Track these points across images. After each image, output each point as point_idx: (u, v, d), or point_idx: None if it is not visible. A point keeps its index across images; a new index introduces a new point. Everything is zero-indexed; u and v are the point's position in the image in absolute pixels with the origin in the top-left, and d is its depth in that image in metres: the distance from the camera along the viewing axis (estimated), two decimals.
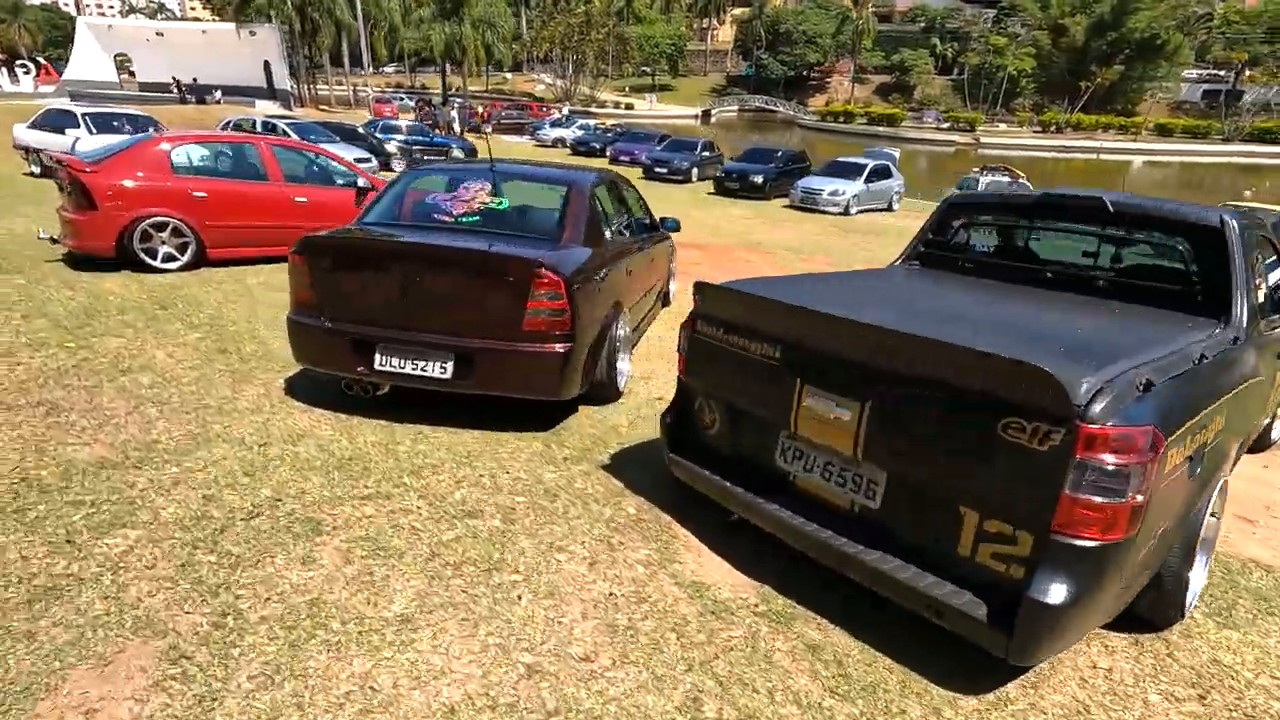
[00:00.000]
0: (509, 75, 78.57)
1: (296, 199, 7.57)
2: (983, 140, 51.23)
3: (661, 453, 3.28)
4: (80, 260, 6.86)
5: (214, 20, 74.72)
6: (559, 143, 32.61)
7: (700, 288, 2.92)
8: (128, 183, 6.65)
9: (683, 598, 2.64)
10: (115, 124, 13.34)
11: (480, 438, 3.82)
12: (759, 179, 18.84)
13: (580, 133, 31.45)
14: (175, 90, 29.97)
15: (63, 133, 12.60)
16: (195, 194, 6.96)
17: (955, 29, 76.22)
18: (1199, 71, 65.90)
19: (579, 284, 3.64)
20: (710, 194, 19.78)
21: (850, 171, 17.79)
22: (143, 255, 6.81)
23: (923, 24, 79.23)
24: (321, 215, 7.77)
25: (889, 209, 18.68)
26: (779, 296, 2.59)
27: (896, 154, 21.27)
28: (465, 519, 3.05)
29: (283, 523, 2.90)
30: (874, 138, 58.16)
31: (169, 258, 6.98)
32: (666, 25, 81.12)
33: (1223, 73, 66.33)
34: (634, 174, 23.95)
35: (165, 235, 6.90)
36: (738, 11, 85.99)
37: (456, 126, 30.80)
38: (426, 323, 3.61)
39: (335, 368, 3.81)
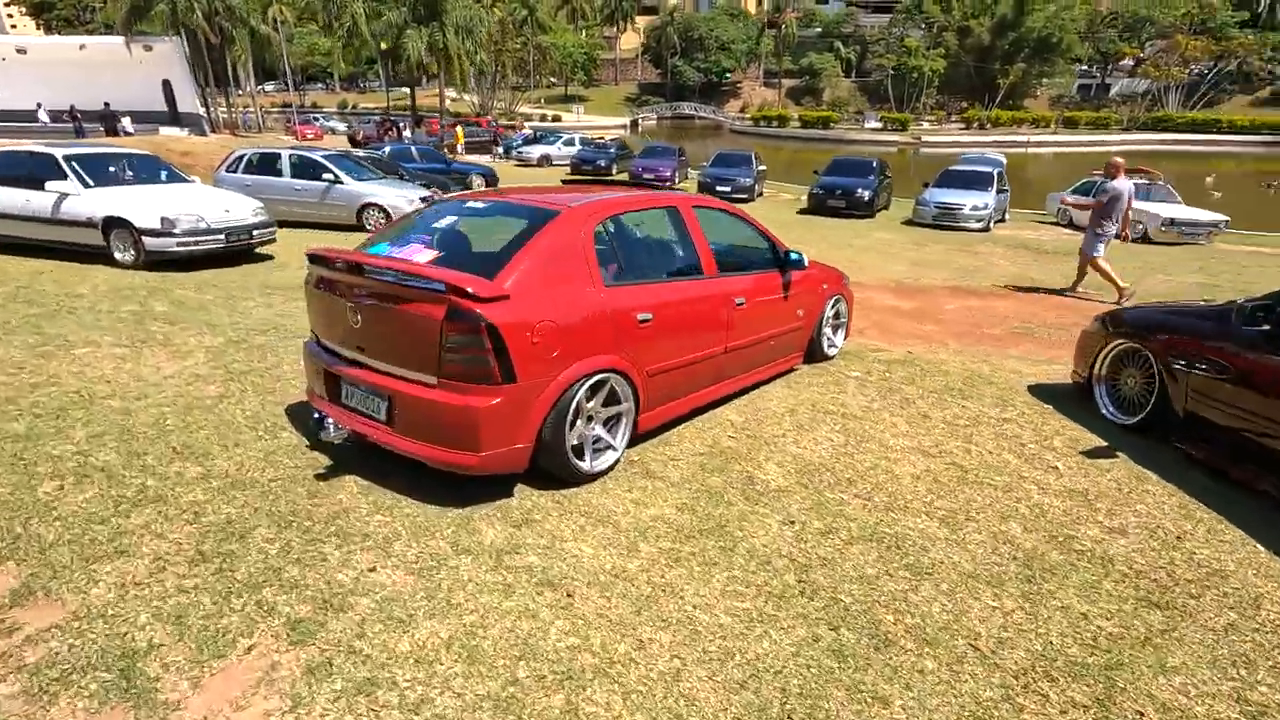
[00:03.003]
0: (405, 90, 72.36)
1: (736, 301, 4.22)
2: (923, 139, 51.99)
3: None
4: (398, 464, 3.24)
5: (41, 34, 63.58)
6: (544, 161, 28.96)
7: None
8: (556, 315, 3.14)
9: None
10: (113, 169, 8.85)
11: None
12: (866, 194, 16.50)
13: (576, 149, 27.88)
14: (70, 119, 23.55)
15: (41, 187, 7.99)
16: (639, 318, 3.52)
17: (849, 34, 78.60)
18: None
19: None
20: (801, 214, 17.20)
21: (979, 182, 15.79)
22: (572, 458, 3.31)
23: (819, 29, 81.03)
24: (763, 323, 4.53)
25: (1003, 219, 16.93)
26: None
27: (1004, 160, 19.58)
28: None
29: None
30: (809, 140, 58.18)
31: (599, 446, 3.50)
32: (575, 35, 77.88)
33: (1092, 68, 72.95)
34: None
35: (596, 405, 3.42)
36: (642, 20, 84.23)
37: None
38: None
39: None
